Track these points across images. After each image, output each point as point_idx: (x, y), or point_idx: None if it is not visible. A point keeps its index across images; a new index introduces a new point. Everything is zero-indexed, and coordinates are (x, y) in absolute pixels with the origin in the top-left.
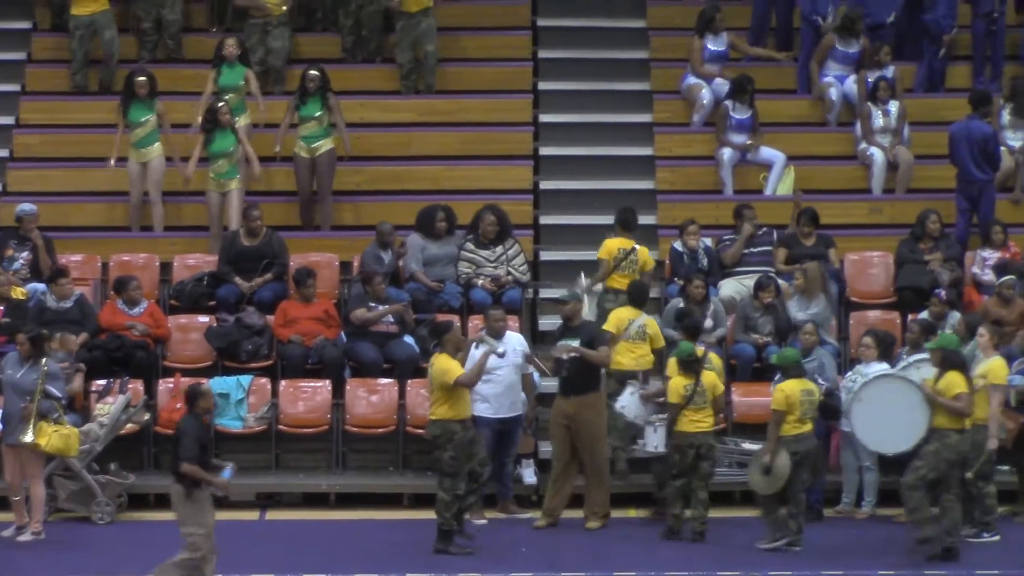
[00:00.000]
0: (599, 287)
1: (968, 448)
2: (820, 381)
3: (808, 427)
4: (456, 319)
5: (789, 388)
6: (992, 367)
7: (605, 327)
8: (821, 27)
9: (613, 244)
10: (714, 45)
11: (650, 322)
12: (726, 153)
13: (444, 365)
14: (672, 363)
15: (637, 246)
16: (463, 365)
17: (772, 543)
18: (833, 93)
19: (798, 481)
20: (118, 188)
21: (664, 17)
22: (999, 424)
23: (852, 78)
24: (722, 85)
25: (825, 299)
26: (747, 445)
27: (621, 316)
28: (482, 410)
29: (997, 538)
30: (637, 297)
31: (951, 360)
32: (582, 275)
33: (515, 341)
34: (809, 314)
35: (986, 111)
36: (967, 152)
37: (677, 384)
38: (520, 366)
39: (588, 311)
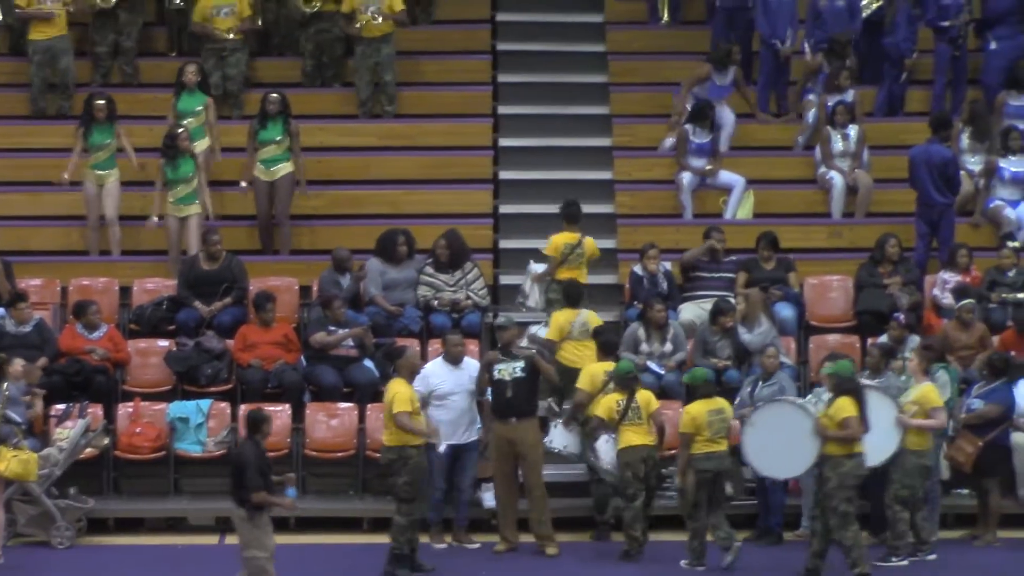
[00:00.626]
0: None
1: (864, 471)
2: None
3: (721, 446)
4: (416, 343)
5: (695, 410)
6: (924, 393)
7: (548, 335)
8: (780, 51)
9: (560, 239)
10: (720, 80)
11: (590, 316)
12: (686, 177)
13: (395, 392)
14: (584, 378)
15: (584, 239)
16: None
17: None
18: (811, 116)
19: (716, 499)
20: (77, 212)
21: (623, 41)
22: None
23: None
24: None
25: (768, 323)
26: None
27: (561, 321)
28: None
29: (905, 563)
30: (573, 296)
31: (844, 386)
32: (531, 263)
33: (472, 367)
34: (755, 335)
35: (946, 135)
36: (927, 176)
37: (609, 400)
38: (474, 392)
39: (537, 302)
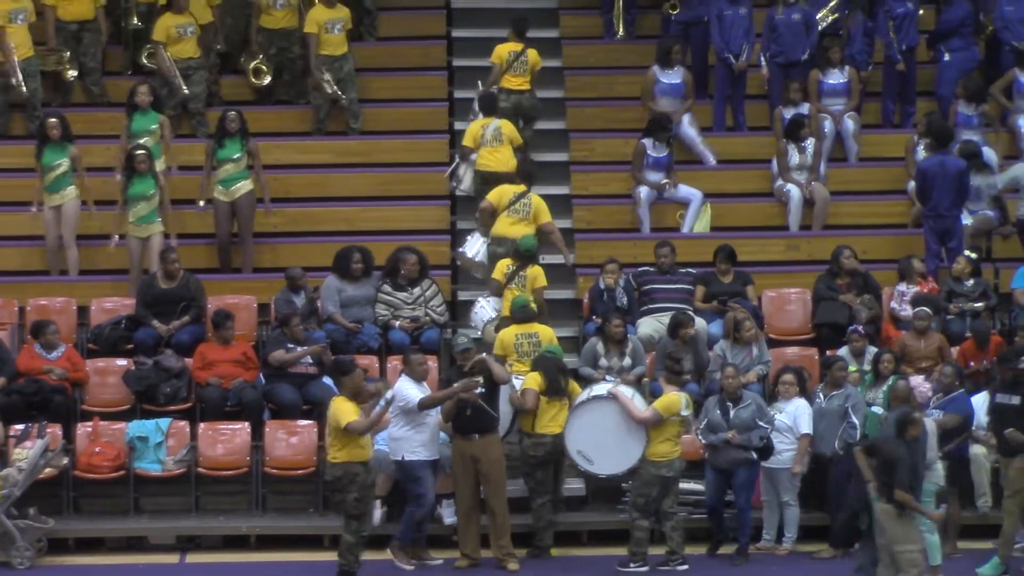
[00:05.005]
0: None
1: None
2: (762, 424)
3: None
4: (375, 360)
5: (506, 333)
6: (666, 400)
7: (463, 142)
8: (734, 66)
9: (504, 48)
10: (667, 79)
11: (503, 124)
12: (643, 191)
13: (339, 407)
14: (493, 193)
15: (528, 49)
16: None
17: None
18: (826, 126)
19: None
20: (34, 232)
21: (579, 56)
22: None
23: (849, 115)
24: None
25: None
26: None
27: (474, 129)
28: (424, 455)
29: (644, 570)
30: (488, 105)
31: (537, 363)
32: (479, 83)
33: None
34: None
35: (948, 146)
36: (942, 187)
37: (502, 264)
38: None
39: (469, 186)
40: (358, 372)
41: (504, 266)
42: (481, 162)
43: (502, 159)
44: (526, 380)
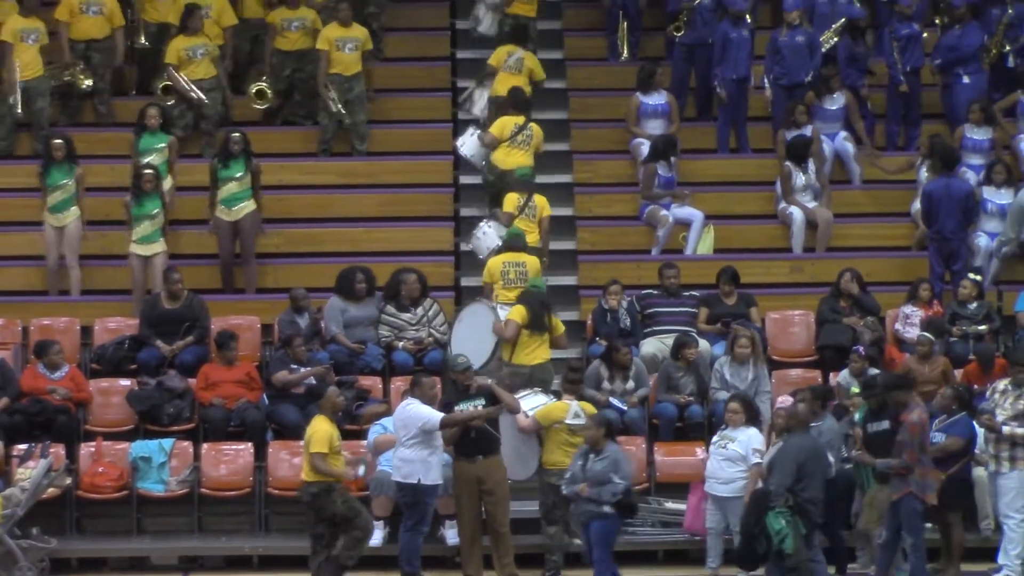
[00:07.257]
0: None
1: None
2: (616, 479)
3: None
4: (378, 381)
5: (493, 261)
6: (546, 408)
7: (489, 60)
8: (718, 86)
9: None
10: (651, 101)
11: (527, 55)
12: (669, 213)
13: (314, 430)
14: (496, 128)
15: None
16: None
17: None
18: (825, 149)
19: None
20: (38, 252)
21: (583, 78)
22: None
23: (842, 135)
24: None
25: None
26: (670, 504)
27: (500, 54)
28: (437, 478)
29: None
30: (519, 34)
31: (524, 298)
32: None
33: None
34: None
35: (954, 170)
36: (948, 210)
37: (512, 197)
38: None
39: (488, 27)
40: (330, 391)
41: (515, 199)
42: (496, 87)
43: (518, 82)
44: (511, 312)
